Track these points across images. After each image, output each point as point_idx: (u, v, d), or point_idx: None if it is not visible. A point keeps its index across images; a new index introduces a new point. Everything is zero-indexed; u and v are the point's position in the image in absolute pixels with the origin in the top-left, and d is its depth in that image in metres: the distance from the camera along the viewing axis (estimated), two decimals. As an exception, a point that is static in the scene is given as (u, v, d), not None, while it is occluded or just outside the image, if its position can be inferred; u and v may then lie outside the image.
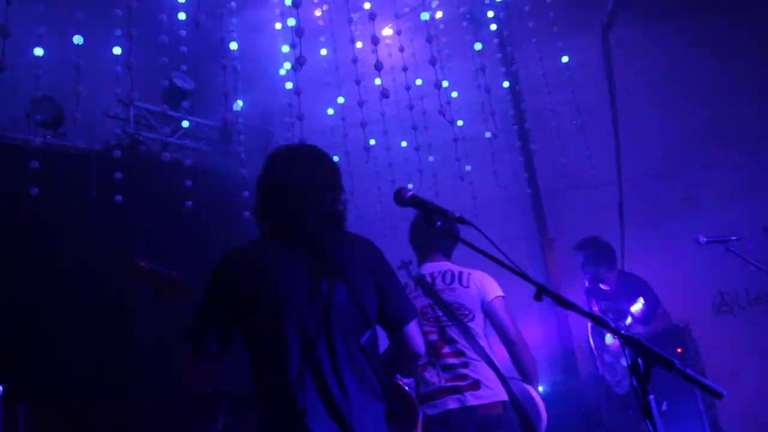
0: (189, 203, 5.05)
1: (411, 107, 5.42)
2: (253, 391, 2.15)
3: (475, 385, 2.94)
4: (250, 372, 2.16)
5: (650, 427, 1.57)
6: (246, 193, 5.25)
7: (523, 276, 1.78)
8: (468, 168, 5.81)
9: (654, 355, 1.55)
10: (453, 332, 3.05)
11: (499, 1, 6.34)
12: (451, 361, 3.01)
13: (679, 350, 5.71)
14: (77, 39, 4.71)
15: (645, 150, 6.75)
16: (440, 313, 3.08)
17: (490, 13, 6.24)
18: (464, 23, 6.14)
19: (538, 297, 1.76)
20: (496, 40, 6.78)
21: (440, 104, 4.99)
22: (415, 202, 1.91)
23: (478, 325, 3.10)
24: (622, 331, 1.64)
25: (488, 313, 3.13)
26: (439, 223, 1.87)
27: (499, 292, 3.17)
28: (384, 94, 4.35)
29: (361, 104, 4.90)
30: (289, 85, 5.44)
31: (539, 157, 6.96)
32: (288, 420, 2.01)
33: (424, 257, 3.38)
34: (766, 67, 6.71)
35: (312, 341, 2.06)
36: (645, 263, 5.48)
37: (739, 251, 4.07)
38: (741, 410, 6.05)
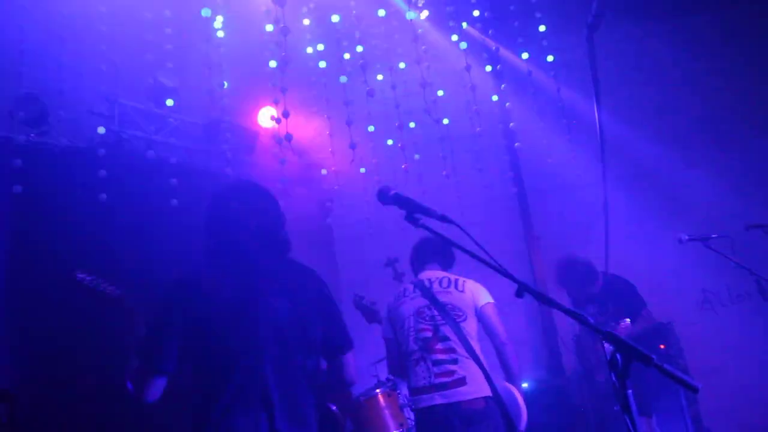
0: (174, 201, 5.02)
1: (397, 106, 5.43)
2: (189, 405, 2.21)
3: (461, 381, 3.16)
4: (191, 387, 2.22)
5: (628, 422, 1.59)
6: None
7: (506, 274, 1.80)
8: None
9: (632, 351, 1.57)
10: (446, 330, 3.27)
11: (485, 1, 6.36)
12: (442, 357, 3.23)
13: (662, 347, 5.77)
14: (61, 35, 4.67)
15: (630, 150, 6.81)
16: (435, 313, 3.30)
17: (476, 12, 6.26)
18: (450, 22, 6.15)
19: (519, 294, 1.78)
20: (482, 39, 6.80)
21: (425, 103, 5.00)
22: (398, 200, 1.93)
23: (470, 326, 3.33)
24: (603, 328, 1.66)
25: (480, 317, 3.40)
26: (421, 222, 1.88)
27: (491, 299, 3.47)
28: (369, 93, 4.36)
29: (347, 103, 4.90)
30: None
31: (524, 156, 6.99)
32: None
33: (423, 268, 3.70)
34: (749, 69, 6.80)
35: (255, 364, 2.16)
36: (630, 262, 5.53)
37: (721, 249, 4.12)
38: (723, 405, 6.12)
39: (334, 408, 2.70)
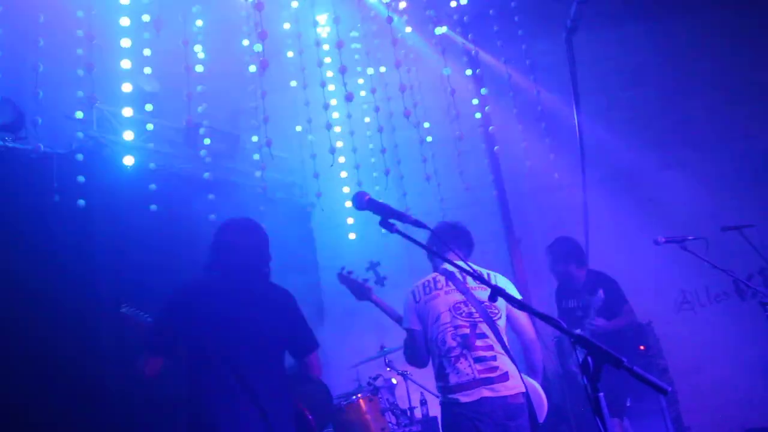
0: (153, 207, 4.99)
1: (377, 109, 5.44)
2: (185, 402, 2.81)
3: (505, 377, 3.18)
4: (185, 385, 2.84)
5: (599, 424, 1.61)
6: (211, 196, 5.22)
7: (482, 280, 1.81)
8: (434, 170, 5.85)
9: (603, 354, 1.59)
10: (484, 328, 3.27)
11: (465, 4, 6.39)
12: (483, 354, 3.22)
13: (642, 347, 5.83)
14: (37, 41, 4.63)
15: (608, 152, 6.88)
16: (473, 310, 3.29)
17: (455, 16, 6.30)
18: (430, 26, 6.18)
19: (493, 299, 1.80)
20: (461, 43, 6.84)
21: (405, 107, 5.02)
22: (372, 205, 1.94)
23: (502, 323, 3.36)
24: (579, 331, 1.68)
25: (509, 314, 3.40)
26: (395, 227, 1.89)
27: (519, 296, 3.38)
28: (348, 97, 4.37)
29: (326, 107, 4.91)
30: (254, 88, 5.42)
31: (504, 160, 7.04)
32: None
33: (445, 255, 3.47)
34: (725, 72, 6.90)
35: (241, 368, 2.76)
36: (609, 263, 5.57)
37: (697, 250, 4.16)
38: (702, 404, 6.20)
39: (310, 417, 2.99)
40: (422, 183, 5.97)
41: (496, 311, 3.34)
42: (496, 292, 1.75)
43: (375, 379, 4.91)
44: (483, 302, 3.31)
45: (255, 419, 2.69)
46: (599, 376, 1.63)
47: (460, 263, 3.34)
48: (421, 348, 3.39)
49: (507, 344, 3.28)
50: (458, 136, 5.69)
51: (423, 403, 5.62)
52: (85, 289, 4.89)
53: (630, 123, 6.90)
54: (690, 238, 4.15)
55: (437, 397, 5.45)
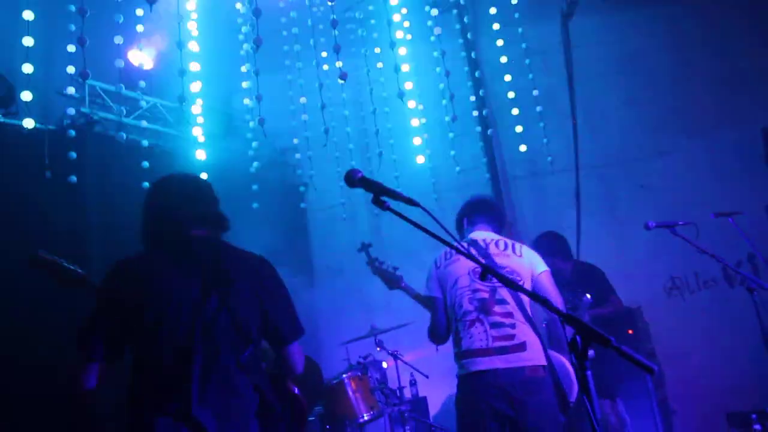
0: (146, 184, 4.98)
1: (371, 91, 5.42)
2: (126, 395, 2.20)
3: (522, 347, 3.02)
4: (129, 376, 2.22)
5: (586, 402, 1.62)
6: (204, 175, 5.20)
7: (471, 257, 1.82)
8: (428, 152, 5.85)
9: (591, 333, 1.61)
10: (504, 294, 3.13)
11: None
12: (501, 320, 3.07)
13: (630, 332, 5.89)
14: (27, 15, 4.58)
15: (602, 137, 6.89)
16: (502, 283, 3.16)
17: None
18: (426, 7, 6.14)
19: (483, 277, 1.81)
20: (457, 26, 6.81)
21: (399, 88, 5.00)
22: (365, 182, 1.93)
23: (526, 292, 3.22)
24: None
25: (536, 285, 3.24)
26: (387, 205, 1.89)
27: (546, 267, 3.35)
28: (342, 76, 4.35)
29: (320, 87, 4.89)
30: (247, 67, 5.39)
31: (498, 143, 7.04)
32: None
33: (470, 227, 3.51)
34: (718, 58, 6.89)
35: (187, 356, 2.14)
36: (600, 248, 5.61)
37: (688, 236, 4.18)
38: (688, 389, 6.27)
39: (296, 391, 2.58)
40: (415, 165, 5.96)
41: (519, 278, 3.19)
42: (486, 269, 1.75)
43: (365, 358, 4.93)
44: (505, 268, 3.20)
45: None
46: (587, 355, 1.64)
47: (480, 234, 3.38)
48: (441, 318, 3.27)
49: (530, 313, 3.14)
50: (452, 118, 5.68)
51: (413, 383, 5.67)
52: (77, 266, 4.88)
53: (624, 108, 6.90)
54: (680, 223, 4.17)
55: (426, 377, 5.54)
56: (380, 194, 1.90)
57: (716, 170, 6.68)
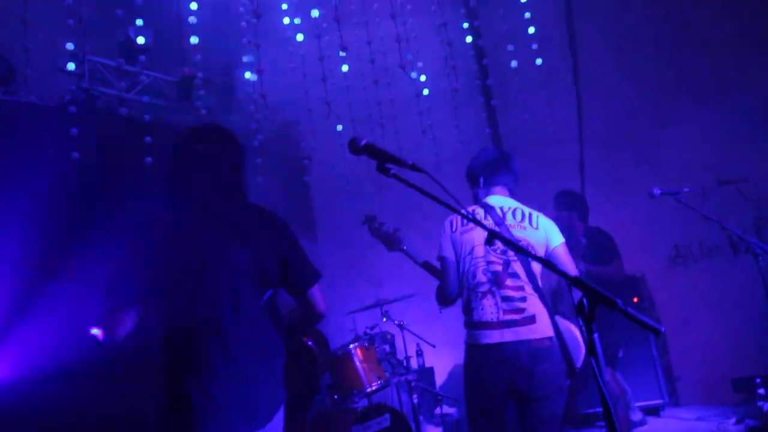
0: (149, 159, 4.97)
1: (372, 61, 5.38)
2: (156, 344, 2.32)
3: (531, 320, 3.07)
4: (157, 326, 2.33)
5: (593, 363, 1.63)
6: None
7: (476, 222, 1.82)
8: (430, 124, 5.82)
9: (598, 295, 1.61)
10: (517, 267, 3.16)
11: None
12: (512, 293, 3.11)
13: (635, 299, 5.92)
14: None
15: (605, 107, 6.83)
16: (509, 248, 3.12)
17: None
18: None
19: (489, 242, 1.81)
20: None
21: (401, 59, 4.96)
22: (369, 149, 1.92)
23: (537, 264, 3.22)
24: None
25: (551, 257, 3.26)
26: (392, 171, 1.88)
27: (562, 238, 3.34)
28: (343, 47, 4.31)
29: (321, 59, 4.85)
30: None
31: (501, 113, 6.99)
32: (176, 372, 2.25)
33: (487, 188, 3.44)
34: (723, 27, 6.79)
35: (214, 302, 2.29)
36: (604, 218, 5.59)
37: (692, 203, 4.17)
38: (692, 356, 6.31)
39: (310, 343, 2.71)
40: (418, 137, 5.94)
41: (533, 250, 3.20)
42: (492, 234, 1.75)
43: (371, 328, 4.97)
44: (520, 240, 3.19)
45: (222, 367, 2.22)
46: (594, 317, 1.64)
47: (497, 199, 3.32)
48: (453, 279, 3.26)
49: (540, 286, 3.18)
50: (455, 89, 5.63)
51: (419, 354, 5.72)
52: (83, 243, 4.90)
53: (629, 77, 6.83)
54: (685, 190, 4.15)
55: (433, 347, 5.58)
56: (385, 161, 1.89)
57: (722, 138, 6.63)
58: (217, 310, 2.28)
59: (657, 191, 4.09)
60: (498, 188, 3.42)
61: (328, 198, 6.85)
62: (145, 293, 2.26)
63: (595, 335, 1.67)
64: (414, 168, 1.85)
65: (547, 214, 4.13)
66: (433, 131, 5.96)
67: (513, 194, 3.47)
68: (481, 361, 3.10)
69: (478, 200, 3.43)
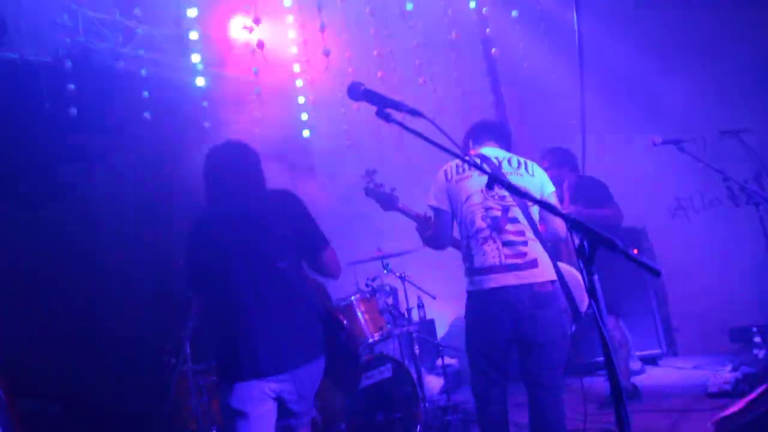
0: (147, 114, 4.93)
1: (372, 13, 5.28)
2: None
3: (533, 263, 3.07)
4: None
5: (593, 306, 1.64)
6: (205, 104, 5.15)
7: (477, 166, 1.81)
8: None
9: (598, 237, 1.61)
10: (516, 212, 3.15)
11: None
12: (513, 238, 3.10)
13: (635, 251, 5.93)
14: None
15: (607, 57, 6.73)
16: (506, 194, 3.15)
17: None
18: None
19: (490, 186, 1.80)
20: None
21: (401, 9, 4.87)
22: (368, 95, 1.91)
23: (535, 211, 3.23)
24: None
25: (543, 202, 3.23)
26: (392, 117, 1.87)
27: (554, 187, 3.38)
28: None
29: (319, 8, 4.76)
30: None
31: (501, 64, 6.90)
32: (227, 342, 2.83)
33: (480, 142, 3.48)
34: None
35: (248, 276, 2.84)
36: (605, 169, 5.56)
37: (694, 153, 4.15)
38: (691, 307, 6.37)
39: (344, 321, 3.41)
40: (417, 88, 5.86)
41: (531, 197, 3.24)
42: (493, 178, 1.74)
43: (373, 280, 4.99)
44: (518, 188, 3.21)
45: (267, 330, 2.79)
46: (594, 260, 1.65)
47: (490, 150, 3.32)
48: (446, 230, 3.29)
49: (539, 230, 3.18)
50: (454, 38, 5.54)
51: (420, 306, 5.77)
52: (81, 201, 4.91)
53: (631, 26, 6.71)
54: (687, 139, 4.13)
55: (433, 298, 5.63)
56: (385, 106, 1.88)
57: (725, 88, 6.55)
58: (248, 284, 2.83)
59: (658, 140, 4.08)
60: (488, 143, 3.44)
61: (328, 152, 6.82)
62: (199, 287, 2.99)
63: (596, 277, 1.67)
64: (414, 113, 1.84)
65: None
66: (433, 83, 5.88)
67: (505, 147, 3.47)
68: (484, 307, 3.10)
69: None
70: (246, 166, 3.06)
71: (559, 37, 6.43)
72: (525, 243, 3.10)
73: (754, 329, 5.34)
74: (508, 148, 3.48)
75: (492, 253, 3.09)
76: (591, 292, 1.66)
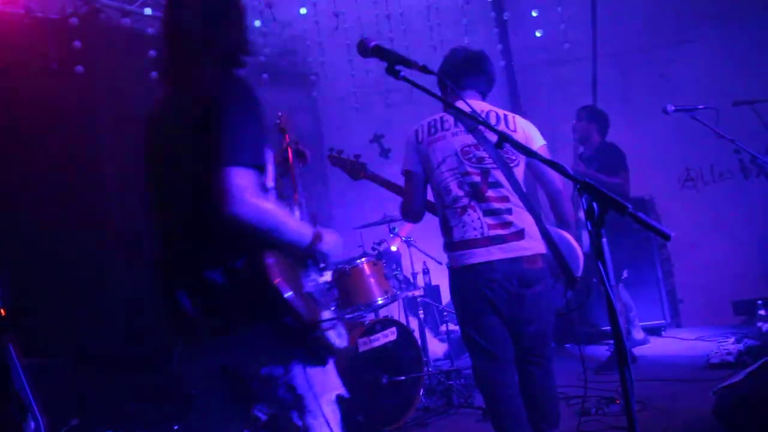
0: (154, 74, 4.88)
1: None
2: None
3: (520, 234, 2.76)
4: None
5: (601, 268, 1.63)
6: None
7: (486, 124, 1.79)
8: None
9: (608, 200, 1.59)
10: (498, 175, 2.80)
11: None
12: (496, 205, 2.78)
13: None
14: None
15: (621, 25, 6.62)
16: (485, 155, 2.80)
17: None
18: None
19: (499, 145, 1.78)
20: None
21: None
22: (379, 51, 1.87)
23: (521, 172, 2.89)
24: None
25: (532, 162, 2.90)
26: (402, 74, 1.83)
27: (543, 141, 2.98)
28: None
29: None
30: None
31: (514, 30, 6.80)
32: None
33: (462, 87, 3.01)
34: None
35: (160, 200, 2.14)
36: (616, 138, 5.51)
37: (707, 121, 4.09)
38: (697, 279, 6.37)
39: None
40: (428, 52, 5.77)
41: (514, 157, 2.87)
42: (503, 137, 1.71)
43: (379, 244, 4.99)
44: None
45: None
46: (604, 222, 1.63)
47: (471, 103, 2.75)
48: (419, 195, 2.97)
49: (526, 195, 2.82)
50: (466, 1, 5.44)
51: (426, 272, 5.78)
52: (88, 163, 4.90)
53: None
54: (700, 107, 4.07)
55: (440, 264, 5.63)
56: (394, 63, 1.85)
57: (739, 58, 6.44)
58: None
59: (671, 108, 4.02)
60: (469, 92, 3.01)
61: (335, 115, 6.77)
62: None
63: (604, 240, 1.66)
64: (424, 70, 1.81)
65: (561, 130, 4.04)
66: (443, 47, 5.79)
67: (485, 98, 3.09)
68: (468, 285, 2.79)
69: (445, 109, 2.97)
70: (214, 17, 2.04)
71: (572, 3, 6.32)
72: (510, 211, 2.78)
73: (759, 302, 5.33)
74: (489, 90, 3.10)
75: (473, 224, 2.77)
76: (599, 255, 1.64)
